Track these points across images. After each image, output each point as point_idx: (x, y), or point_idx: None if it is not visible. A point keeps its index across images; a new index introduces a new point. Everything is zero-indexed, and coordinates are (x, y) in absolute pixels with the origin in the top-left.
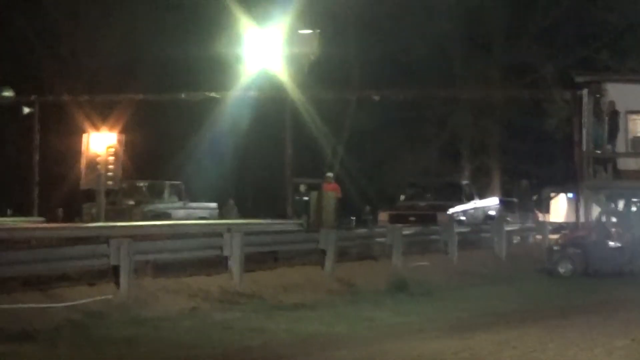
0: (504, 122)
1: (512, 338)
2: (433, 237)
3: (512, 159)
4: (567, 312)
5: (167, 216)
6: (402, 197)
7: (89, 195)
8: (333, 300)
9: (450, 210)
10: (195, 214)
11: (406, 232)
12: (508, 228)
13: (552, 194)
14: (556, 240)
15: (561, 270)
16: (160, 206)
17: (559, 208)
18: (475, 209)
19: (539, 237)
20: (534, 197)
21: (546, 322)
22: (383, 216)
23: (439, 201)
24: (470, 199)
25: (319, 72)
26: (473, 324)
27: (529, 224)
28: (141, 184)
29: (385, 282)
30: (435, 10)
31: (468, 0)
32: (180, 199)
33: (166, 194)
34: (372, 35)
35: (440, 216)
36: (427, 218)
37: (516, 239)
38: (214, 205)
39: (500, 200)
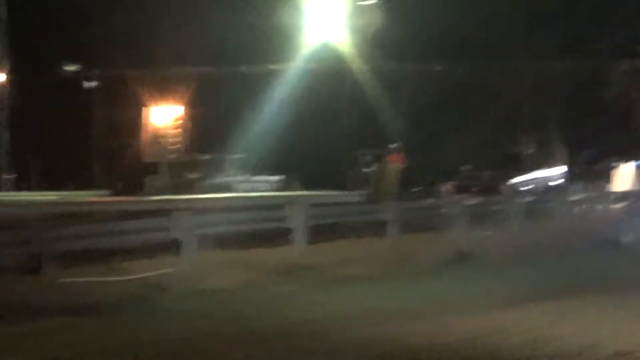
0: (563, 93)
1: (574, 308)
2: (496, 207)
3: (573, 130)
4: (630, 283)
5: (229, 189)
6: (464, 169)
7: (151, 169)
8: (394, 271)
9: (512, 181)
10: (257, 187)
11: (468, 203)
12: (571, 198)
13: (615, 164)
14: (619, 209)
15: (625, 240)
16: (222, 179)
17: (622, 177)
18: (537, 179)
19: (601, 206)
20: (596, 167)
21: (608, 293)
22: (445, 187)
23: (500, 172)
24: (531, 169)
25: (380, 43)
26: (535, 294)
27: (592, 194)
28: (203, 157)
29: (447, 253)
30: None
31: None
32: (242, 172)
33: (228, 167)
34: (433, 6)
35: (501, 187)
36: (489, 189)
37: (579, 209)
38: (275, 178)
39: (560, 172)
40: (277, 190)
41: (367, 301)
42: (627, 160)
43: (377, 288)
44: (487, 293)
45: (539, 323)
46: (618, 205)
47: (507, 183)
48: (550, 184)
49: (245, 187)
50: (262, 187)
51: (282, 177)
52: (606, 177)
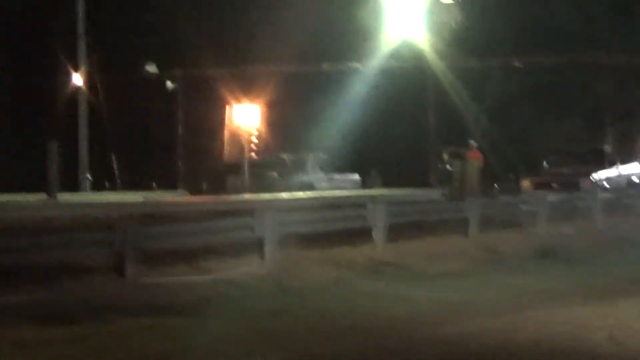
0: None
1: None
2: (578, 203)
3: None
4: None
5: (311, 188)
6: (545, 164)
7: (233, 168)
8: (478, 268)
9: (593, 177)
10: (338, 185)
11: (550, 198)
12: None
13: None
14: None
15: None
16: (304, 178)
17: None
18: (618, 175)
19: None
20: None
21: None
22: (526, 183)
23: (582, 168)
24: (613, 165)
25: (460, 40)
26: (619, 290)
27: None
28: (284, 156)
29: (529, 249)
30: None
31: None
32: (323, 171)
33: (309, 166)
34: (514, 0)
35: (583, 182)
36: (570, 184)
37: None
38: (356, 176)
39: None
40: (359, 188)
41: (453, 297)
42: None
43: (461, 284)
44: (571, 287)
45: (625, 318)
46: None
47: (588, 178)
48: (633, 179)
49: (327, 185)
50: (344, 185)
51: (364, 174)
52: None
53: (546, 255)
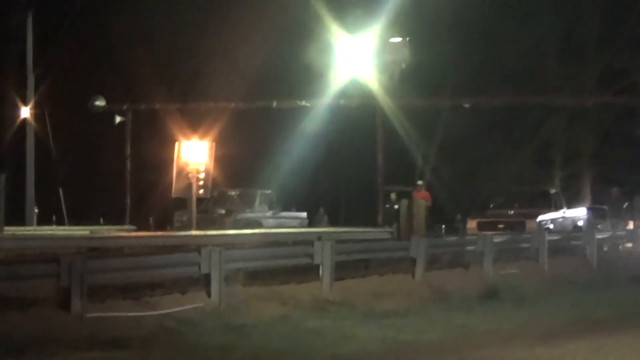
0: (597, 128)
1: (605, 346)
2: (524, 244)
3: (604, 166)
4: None
5: (258, 225)
6: (492, 205)
7: (180, 204)
8: (424, 307)
9: (539, 218)
10: (285, 223)
11: (497, 239)
12: (599, 236)
13: None
14: None
15: None
16: (251, 215)
17: None
18: (564, 218)
19: (629, 244)
20: (625, 205)
21: (639, 329)
22: (472, 224)
23: (528, 209)
24: (559, 207)
25: (410, 80)
26: (565, 331)
27: (620, 232)
28: (232, 193)
29: (476, 289)
30: (529, 16)
31: (562, 6)
32: (270, 208)
33: (257, 203)
34: (465, 42)
35: (529, 224)
36: (516, 225)
37: (607, 247)
38: (303, 214)
39: (589, 210)
40: (306, 226)
41: (398, 336)
42: None
43: (407, 323)
44: (517, 328)
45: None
46: None
47: (534, 220)
48: (578, 223)
49: (274, 222)
50: (290, 222)
51: (311, 212)
52: (637, 214)
53: (492, 296)
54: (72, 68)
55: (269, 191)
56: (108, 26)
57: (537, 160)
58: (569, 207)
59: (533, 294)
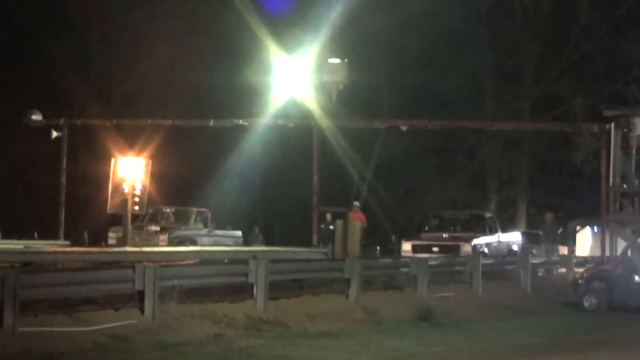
0: (533, 154)
1: None
2: (458, 268)
3: (539, 192)
4: (592, 347)
5: (192, 242)
6: (427, 228)
7: (115, 220)
8: (357, 329)
9: (474, 242)
10: (220, 241)
11: (431, 262)
12: (533, 261)
13: (578, 228)
14: (581, 273)
15: (586, 304)
16: (185, 232)
17: (585, 242)
18: (499, 242)
19: (563, 270)
20: (560, 230)
21: (570, 356)
22: (406, 246)
23: (463, 233)
24: (493, 232)
25: (347, 101)
26: (497, 356)
27: (554, 257)
28: (167, 210)
29: (410, 312)
30: (466, 42)
31: (499, 32)
32: (205, 226)
33: (192, 221)
34: (402, 65)
35: (463, 247)
36: (451, 249)
37: (541, 272)
38: (238, 233)
39: (523, 234)
40: (240, 244)
41: (331, 357)
42: (590, 224)
43: (339, 345)
44: (450, 352)
45: None
46: (580, 269)
47: (468, 243)
48: (512, 247)
49: (208, 240)
50: (225, 241)
51: (247, 231)
52: (570, 240)
53: (425, 319)
54: (8, 82)
55: (204, 209)
56: (45, 41)
57: (472, 184)
58: (504, 231)
59: (467, 318)
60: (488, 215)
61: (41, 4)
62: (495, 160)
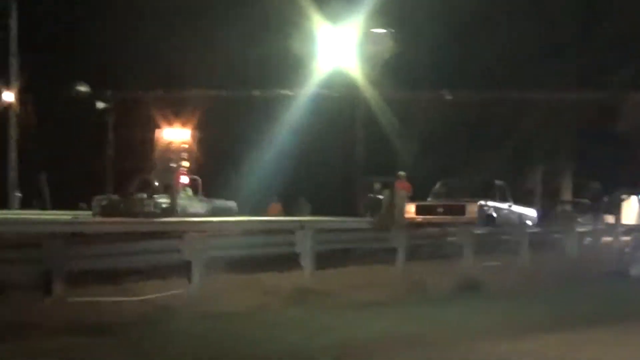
0: (577, 125)
1: (582, 341)
2: (504, 237)
3: (585, 162)
4: (636, 315)
5: (181, 209)
6: (435, 193)
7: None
8: (402, 299)
9: (481, 202)
10: (214, 211)
11: (477, 231)
12: (579, 229)
13: (624, 197)
14: (627, 242)
15: (632, 272)
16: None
17: (631, 210)
18: (509, 210)
19: (609, 239)
20: (605, 199)
21: (616, 325)
22: (410, 208)
23: (471, 197)
24: (503, 199)
25: (392, 71)
26: (543, 325)
27: (600, 226)
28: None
29: (455, 281)
30: (511, 12)
31: (543, 3)
32: (195, 194)
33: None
34: (446, 35)
35: (469, 207)
36: (455, 209)
37: (587, 240)
38: (233, 203)
39: (539, 212)
40: (235, 215)
41: (377, 327)
42: (636, 193)
43: (386, 315)
44: (495, 321)
45: (546, 354)
46: (626, 238)
47: (476, 204)
48: (527, 221)
49: (200, 208)
50: (221, 211)
51: (293, 201)
52: (616, 209)
53: (471, 288)
54: (54, 54)
55: (195, 177)
56: (91, 13)
57: (517, 155)
58: (515, 202)
59: (512, 287)
60: (498, 182)
61: None
62: (539, 130)
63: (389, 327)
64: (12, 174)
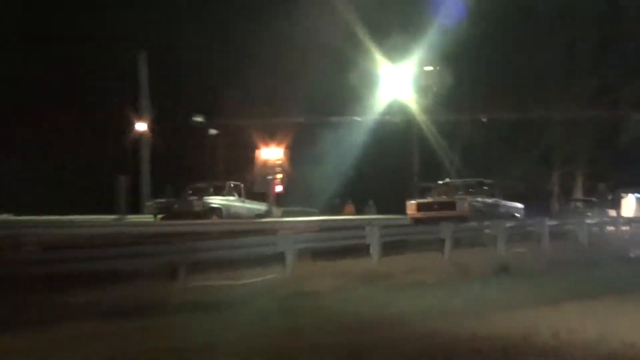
0: (591, 134)
1: (595, 310)
2: (529, 228)
3: (594, 166)
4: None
5: (222, 208)
6: (434, 190)
7: (261, 196)
8: (449, 280)
9: (470, 200)
10: (251, 209)
11: (508, 224)
12: (588, 222)
13: (623, 195)
14: (626, 231)
15: (631, 254)
16: (213, 200)
17: (629, 206)
18: (496, 204)
19: (612, 228)
20: (609, 197)
21: (622, 297)
22: (411, 205)
23: (464, 195)
24: (494, 196)
25: (439, 98)
26: (562, 299)
27: (605, 218)
28: (206, 184)
29: (491, 265)
30: (536, 43)
31: (561, 33)
32: (240, 196)
33: (226, 192)
34: (483, 67)
35: (460, 203)
36: (449, 205)
37: (595, 230)
38: (264, 205)
39: (525, 206)
40: (264, 214)
41: (427, 302)
42: (633, 191)
43: (435, 292)
44: (523, 296)
45: (565, 319)
46: (625, 228)
47: (465, 201)
48: (515, 214)
49: (237, 207)
50: (252, 209)
51: (363, 203)
52: (617, 205)
53: (503, 271)
54: (177, 92)
55: (238, 183)
56: (206, 61)
57: (540, 162)
58: (503, 199)
59: (537, 269)
60: (489, 181)
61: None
62: (558, 141)
63: (439, 301)
64: (145, 187)
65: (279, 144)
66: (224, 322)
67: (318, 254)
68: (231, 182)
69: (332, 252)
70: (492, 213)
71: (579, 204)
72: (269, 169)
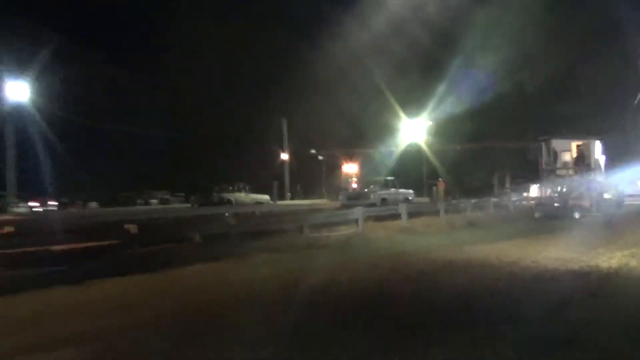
0: (516, 156)
1: (518, 243)
2: (488, 201)
3: (516, 170)
4: (540, 233)
5: (232, 199)
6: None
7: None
8: (443, 230)
9: (378, 192)
10: (403, 194)
11: (473, 200)
12: (513, 199)
13: (532, 183)
14: (533, 203)
15: (536, 215)
16: (226, 194)
17: (534, 190)
18: (396, 193)
19: (524, 202)
20: (526, 185)
21: (531, 238)
22: (342, 197)
23: (378, 188)
24: (394, 188)
25: (435, 135)
26: (500, 239)
27: (522, 196)
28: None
29: (465, 222)
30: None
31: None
32: (246, 192)
33: (237, 188)
34: (470, 118)
35: (372, 194)
36: (363, 195)
37: (515, 202)
38: (411, 191)
39: (414, 191)
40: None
41: (429, 241)
42: (534, 183)
43: (436, 237)
44: (481, 237)
45: (503, 248)
46: (532, 202)
47: (374, 193)
48: (408, 197)
49: (395, 195)
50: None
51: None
52: (529, 189)
53: (471, 225)
54: (303, 136)
55: (392, 178)
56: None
57: (488, 169)
58: (399, 189)
59: (489, 224)
60: (391, 178)
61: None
62: (500, 158)
63: (437, 241)
64: (286, 186)
65: (354, 161)
66: (330, 253)
67: (375, 218)
68: (244, 183)
69: (382, 217)
70: (392, 199)
71: (508, 190)
72: (348, 176)
